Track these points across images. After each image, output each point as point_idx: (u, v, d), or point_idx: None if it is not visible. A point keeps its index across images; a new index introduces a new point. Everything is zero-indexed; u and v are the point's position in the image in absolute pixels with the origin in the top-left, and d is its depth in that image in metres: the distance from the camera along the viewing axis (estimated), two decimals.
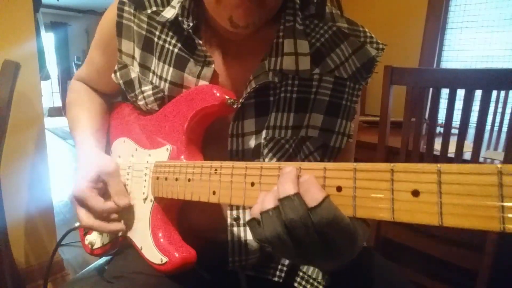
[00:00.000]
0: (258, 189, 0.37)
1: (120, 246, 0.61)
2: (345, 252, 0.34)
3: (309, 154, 0.56)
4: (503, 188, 0.23)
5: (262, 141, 0.53)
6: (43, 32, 2.13)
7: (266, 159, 0.53)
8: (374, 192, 0.29)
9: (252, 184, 0.38)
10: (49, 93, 6.96)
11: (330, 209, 0.31)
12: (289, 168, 0.34)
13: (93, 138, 0.61)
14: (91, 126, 0.63)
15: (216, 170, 0.42)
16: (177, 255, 0.49)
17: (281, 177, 0.34)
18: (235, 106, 0.51)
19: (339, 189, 0.32)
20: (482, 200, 0.24)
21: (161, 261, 0.49)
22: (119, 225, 0.54)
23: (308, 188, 0.32)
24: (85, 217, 0.53)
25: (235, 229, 0.54)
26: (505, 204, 0.23)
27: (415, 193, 0.27)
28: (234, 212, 0.54)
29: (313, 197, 0.31)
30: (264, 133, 0.53)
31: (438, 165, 0.26)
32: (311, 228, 0.31)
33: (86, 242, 0.63)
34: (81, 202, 0.53)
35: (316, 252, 0.33)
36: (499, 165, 0.23)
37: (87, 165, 0.56)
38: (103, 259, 0.69)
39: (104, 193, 0.55)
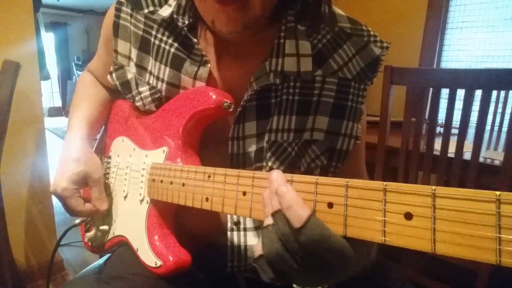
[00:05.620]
0: (250, 199, 0.36)
1: (120, 245, 0.61)
2: (340, 270, 0.32)
3: (315, 158, 0.55)
4: (501, 217, 0.22)
5: (265, 144, 0.52)
6: (43, 32, 2.13)
7: (269, 163, 0.52)
8: (366, 212, 0.28)
9: (244, 193, 0.37)
10: (49, 93, 6.96)
11: (316, 229, 0.29)
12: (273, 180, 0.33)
13: (85, 130, 0.62)
14: (87, 116, 0.64)
15: (209, 176, 0.42)
16: (171, 258, 0.48)
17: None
18: (231, 110, 0.50)
19: (330, 205, 0.30)
20: (477, 229, 0.23)
21: (156, 264, 0.49)
22: (104, 205, 0.59)
23: (290, 205, 0.30)
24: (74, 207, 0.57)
25: (235, 233, 0.53)
26: (502, 235, 0.22)
27: (408, 216, 0.26)
28: (235, 216, 0.53)
29: (296, 215, 0.30)
30: (266, 136, 0.52)
31: (433, 187, 0.25)
32: (300, 247, 0.30)
33: (86, 239, 0.63)
34: (61, 200, 0.56)
35: (311, 269, 0.32)
36: (497, 192, 0.22)
37: (73, 162, 0.57)
38: (103, 259, 0.69)
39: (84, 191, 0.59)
